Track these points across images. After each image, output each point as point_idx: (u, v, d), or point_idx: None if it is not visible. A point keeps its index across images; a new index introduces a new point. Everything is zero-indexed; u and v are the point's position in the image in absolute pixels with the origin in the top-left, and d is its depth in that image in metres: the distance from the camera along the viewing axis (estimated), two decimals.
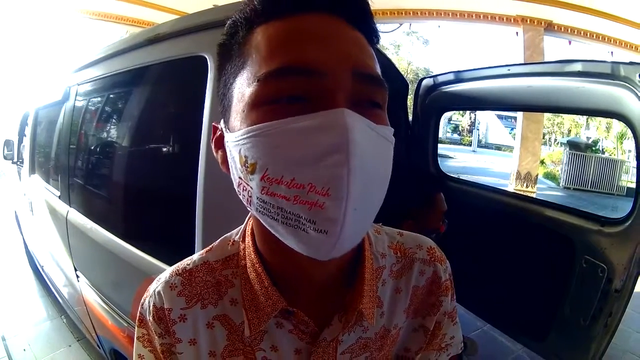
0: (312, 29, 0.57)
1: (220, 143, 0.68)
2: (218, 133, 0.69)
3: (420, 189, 2.27)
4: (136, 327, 0.80)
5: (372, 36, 0.63)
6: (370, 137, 0.55)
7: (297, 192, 0.52)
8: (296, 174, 0.52)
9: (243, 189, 0.60)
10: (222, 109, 0.66)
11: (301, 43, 0.55)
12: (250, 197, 0.58)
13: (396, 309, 0.81)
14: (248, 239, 0.75)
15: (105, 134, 2.60)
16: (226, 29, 0.65)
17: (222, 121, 0.67)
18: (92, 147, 2.64)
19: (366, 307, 0.71)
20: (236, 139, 0.58)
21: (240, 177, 0.60)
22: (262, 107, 0.55)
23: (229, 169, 0.65)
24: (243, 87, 0.58)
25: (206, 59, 1.47)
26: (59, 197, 2.91)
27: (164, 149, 1.98)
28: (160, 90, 1.97)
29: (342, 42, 0.57)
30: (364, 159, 0.52)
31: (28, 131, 4.45)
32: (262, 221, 0.60)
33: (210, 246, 0.81)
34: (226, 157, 0.65)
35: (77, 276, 2.65)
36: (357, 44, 0.59)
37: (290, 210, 0.54)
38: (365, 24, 0.61)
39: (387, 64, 2.77)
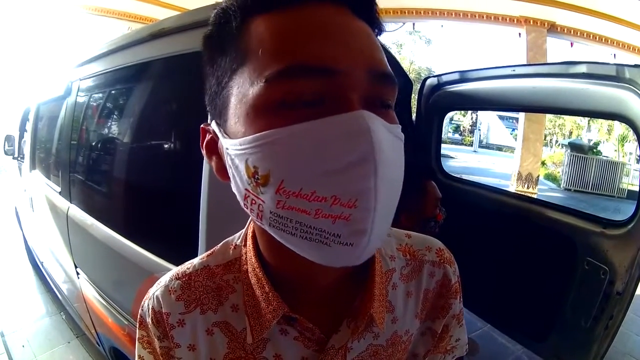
0: (322, 22, 0.52)
1: (213, 148, 0.63)
2: (209, 137, 0.63)
3: (411, 179, 2.26)
4: (137, 329, 0.79)
5: (377, 27, 0.59)
6: (389, 140, 0.51)
7: (319, 206, 0.48)
8: (317, 186, 0.48)
9: (252, 203, 0.54)
10: (214, 109, 0.60)
11: (313, 38, 0.50)
12: (262, 211, 0.53)
13: (408, 314, 0.78)
14: (249, 242, 0.71)
15: (107, 130, 2.59)
16: (214, 17, 0.59)
17: (213, 123, 0.62)
18: (94, 143, 2.63)
19: (377, 312, 0.68)
20: (241, 147, 0.53)
21: (247, 190, 0.54)
22: (271, 110, 0.50)
23: (226, 176, 0.60)
24: (245, 87, 0.52)
25: None
26: (60, 193, 2.90)
27: (167, 146, 1.96)
28: (163, 86, 1.95)
29: (355, 37, 0.53)
30: (387, 165, 0.49)
31: (29, 126, 4.44)
32: (276, 236, 0.55)
33: (212, 250, 0.79)
34: (222, 164, 0.60)
35: (77, 273, 2.64)
36: (368, 38, 0.55)
37: (312, 225, 0.50)
38: (370, 14, 0.57)
39: (392, 62, 2.76)
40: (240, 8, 0.55)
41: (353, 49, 0.52)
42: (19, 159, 5.17)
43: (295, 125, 0.49)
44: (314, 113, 0.49)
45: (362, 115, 0.49)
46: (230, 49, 0.56)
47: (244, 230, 0.77)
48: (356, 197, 0.48)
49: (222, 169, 0.61)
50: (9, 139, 5.50)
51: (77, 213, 2.55)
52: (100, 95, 2.57)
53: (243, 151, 0.53)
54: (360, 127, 0.48)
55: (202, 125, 0.65)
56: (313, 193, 0.48)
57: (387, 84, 0.55)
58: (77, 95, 2.78)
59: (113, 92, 2.44)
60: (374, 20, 0.58)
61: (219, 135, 0.59)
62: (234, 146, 0.54)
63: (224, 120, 0.58)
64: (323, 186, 0.48)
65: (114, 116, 2.48)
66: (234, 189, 0.59)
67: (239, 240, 0.77)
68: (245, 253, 0.73)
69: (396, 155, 0.54)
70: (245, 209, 0.57)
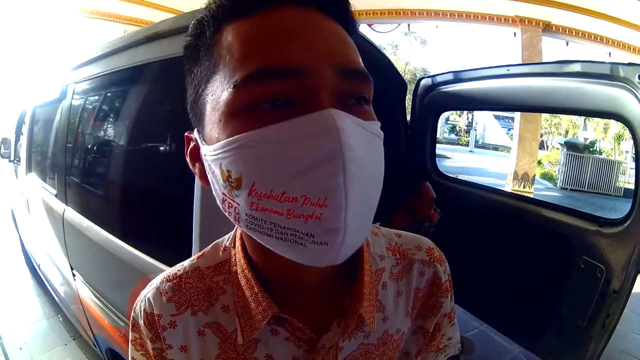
0: (287, 24, 0.52)
1: (196, 155, 0.63)
2: (192, 144, 0.64)
3: (406, 179, 2.27)
4: (130, 331, 0.79)
5: (351, 26, 0.59)
6: (361, 137, 0.51)
7: (290, 206, 0.49)
8: (287, 187, 0.49)
9: (229, 206, 0.56)
10: (194, 118, 0.62)
11: (278, 41, 0.51)
12: (238, 214, 0.54)
13: (398, 313, 0.78)
14: (238, 244, 0.73)
15: (102, 133, 2.59)
16: (191, 28, 0.60)
17: (195, 131, 0.63)
18: (90, 146, 2.63)
19: (366, 312, 0.68)
20: (215, 153, 0.54)
21: (224, 194, 0.56)
22: (241, 115, 0.51)
23: (209, 182, 0.61)
24: (217, 94, 0.54)
25: None
26: (56, 195, 2.90)
27: (161, 149, 1.97)
28: (158, 89, 1.95)
29: (322, 37, 0.53)
30: (359, 161, 0.49)
31: (25, 129, 4.44)
32: (254, 237, 0.56)
33: (202, 252, 0.79)
34: (205, 170, 0.61)
35: (74, 275, 2.64)
36: (338, 37, 0.55)
37: (285, 225, 0.50)
38: (341, 13, 0.58)
39: (386, 63, 2.77)
40: (213, 18, 0.56)
41: (320, 49, 0.52)
42: (15, 161, 5.16)
43: (263, 128, 0.49)
44: (283, 115, 0.50)
45: (330, 113, 0.49)
46: (205, 58, 0.57)
47: (233, 231, 0.78)
48: (326, 196, 0.48)
49: (204, 175, 0.62)
50: (5, 141, 5.50)
51: (73, 215, 2.55)
52: (96, 98, 2.57)
53: (217, 156, 0.54)
54: (327, 125, 0.48)
55: (185, 134, 0.66)
56: (283, 194, 0.49)
57: (359, 80, 0.56)
58: (72, 98, 2.77)
59: (108, 95, 2.44)
60: (345, 19, 0.59)
61: (199, 142, 0.61)
62: (210, 152, 0.56)
63: (202, 128, 0.59)
64: (292, 186, 0.49)
65: (110, 119, 2.48)
66: (214, 194, 0.60)
67: (229, 242, 0.78)
68: (235, 254, 0.73)
69: (371, 152, 0.54)
70: (224, 212, 0.58)
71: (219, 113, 0.53)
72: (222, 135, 0.53)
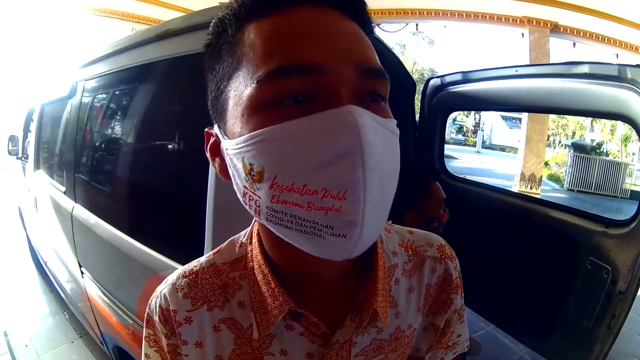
0: (309, 23, 0.54)
1: (216, 150, 0.65)
2: (212, 139, 0.66)
3: (416, 180, 2.27)
4: (144, 327, 0.80)
5: (368, 25, 0.61)
6: (379, 133, 0.53)
7: (311, 199, 0.50)
8: (308, 180, 0.50)
9: (250, 199, 0.57)
10: (215, 113, 0.63)
11: (300, 39, 0.53)
12: (259, 207, 0.55)
13: (410, 309, 0.79)
14: (255, 240, 0.73)
15: (112, 131, 2.60)
16: (212, 27, 0.62)
17: (215, 126, 0.65)
18: (99, 143, 2.64)
19: (380, 307, 0.69)
20: (238, 146, 0.55)
21: (245, 187, 0.57)
22: (264, 109, 0.52)
23: (229, 177, 0.62)
24: (240, 90, 0.55)
25: None
26: (65, 192, 2.91)
27: (172, 146, 1.97)
28: (168, 87, 1.96)
29: (341, 36, 0.55)
30: (377, 157, 0.50)
31: (33, 127, 4.46)
32: (274, 230, 0.57)
33: (218, 248, 0.80)
34: (225, 165, 0.62)
35: (82, 272, 2.65)
36: (356, 35, 0.57)
37: (305, 217, 0.51)
38: (359, 13, 0.59)
39: (396, 63, 2.77)
40: (235, 16, 0.58)
41: (339, 47, 0.53)
42: (22, 158, 5.18)
43: (286, 122, 0.50)
44: (305, 110, 0.51)
45: (350, 109, 0.50)
46: (227, 55, 0.58)
47: (249, 228, 0.78)
48: (345, 189, 0.49)
49: (224, 169, 0.63)
50: (12, 139, 5.50)
51: (82, 213, 2.56)
52: (105, 95, 2.58)
53: (239, 150, 0.55)
54: (347, 121, 0.49)
55: (205, 130, 0.67)
56: (304, 186, 0.50)
57: (377, 78, 0.57)
58: (82, 96, 2.78)
59: (118, 92, 2.45)
60: (362, 18, 0.60)
61: (220, 137, 0.62)
62: (232, 146, 0.57)
63: (224, 123, 0.60)
64: (313, 179, 0.50)
65: (119, 117, 2.49)
66: (235, 188, 0.61)
67: (245, 238, 0.78)
68: (251, 250, 0.74)
69: (388, 148, 0.55)
70: (244, 205, 0.59)
71: (241, 108, 0.55)
72: (244, 129, 0.54)
